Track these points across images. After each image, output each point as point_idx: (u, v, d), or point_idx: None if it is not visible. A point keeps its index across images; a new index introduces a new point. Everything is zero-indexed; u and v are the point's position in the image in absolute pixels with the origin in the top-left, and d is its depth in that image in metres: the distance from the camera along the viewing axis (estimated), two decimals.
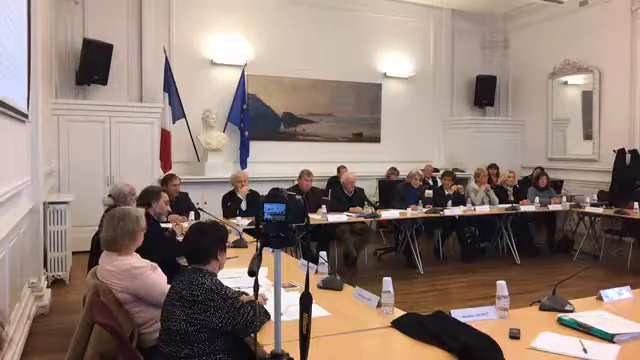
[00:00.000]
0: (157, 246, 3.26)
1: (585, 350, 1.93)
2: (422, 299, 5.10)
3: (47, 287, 5.02)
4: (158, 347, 2.24)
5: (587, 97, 8.98)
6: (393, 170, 8.63)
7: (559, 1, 8.85)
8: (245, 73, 8.36)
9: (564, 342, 2.02)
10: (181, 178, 5.88)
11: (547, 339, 2.04)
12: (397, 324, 2.21)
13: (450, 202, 6.82)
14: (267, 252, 1.78)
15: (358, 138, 9.49)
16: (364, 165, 8.88)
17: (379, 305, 2.44)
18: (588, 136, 8.96)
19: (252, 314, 2.06)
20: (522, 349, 1.98)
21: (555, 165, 9.25)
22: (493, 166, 8.49)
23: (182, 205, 5.47)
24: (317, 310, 2.29)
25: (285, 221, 1.48)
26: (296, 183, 6.40)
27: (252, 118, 8.48)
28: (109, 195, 4.59)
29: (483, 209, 6.72)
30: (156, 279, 2.57)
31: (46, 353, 3.69)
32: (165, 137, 7.61)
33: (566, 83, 9.47)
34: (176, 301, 2.13)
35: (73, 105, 7.14)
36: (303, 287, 1.59)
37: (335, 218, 5.80)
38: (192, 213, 5.16)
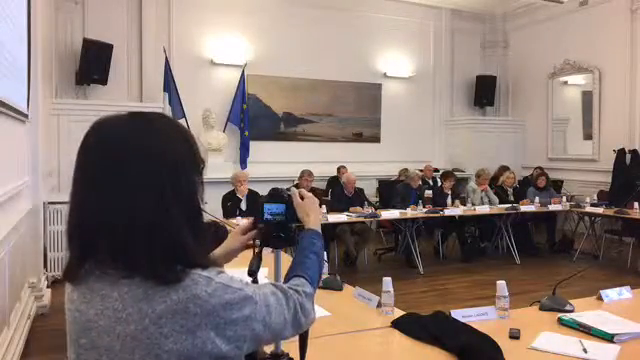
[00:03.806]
0: None
1: (585, 350, 1.93)
2: (422, 299, 5.10)
3: (47, 287, 5.01)
4: None
5: (587, 97, 8.97)
6: (404, 171, 8.55)
7: (559, 1, 8.85)
8: (245, 73, 8.36)
9: (564, 342, 2.01)
10: None
11: (547, 339, 2.04)
12: (397, 324, 2.21)
13: (449, 197, 6.84)
14: (267, 252, 1.78)
15: (358, 138, 9.48)
16: (364, 165, 8.87)
17: (379, 305, 2.44)
18: (588, 136, 8.95)
19: None
20: (522, 349, 1.97)
21: (555, 165, 9.25)
22: (505, 168, 8.40)
23: None
24: (317, 310, 2.28)
25: (285, 221, 1.47)
26: (296, 183, 6.41)
27: (252, 118, 8.47)
28: None
29: (483, 209, 6.72)
30: None
31: (46, 353, 3.69)
32: None
33: (566, 83, 9.47)
34: None
35: (73, 105, 7.11)
36: None
37: (335, 218, 5.81)
38: None
